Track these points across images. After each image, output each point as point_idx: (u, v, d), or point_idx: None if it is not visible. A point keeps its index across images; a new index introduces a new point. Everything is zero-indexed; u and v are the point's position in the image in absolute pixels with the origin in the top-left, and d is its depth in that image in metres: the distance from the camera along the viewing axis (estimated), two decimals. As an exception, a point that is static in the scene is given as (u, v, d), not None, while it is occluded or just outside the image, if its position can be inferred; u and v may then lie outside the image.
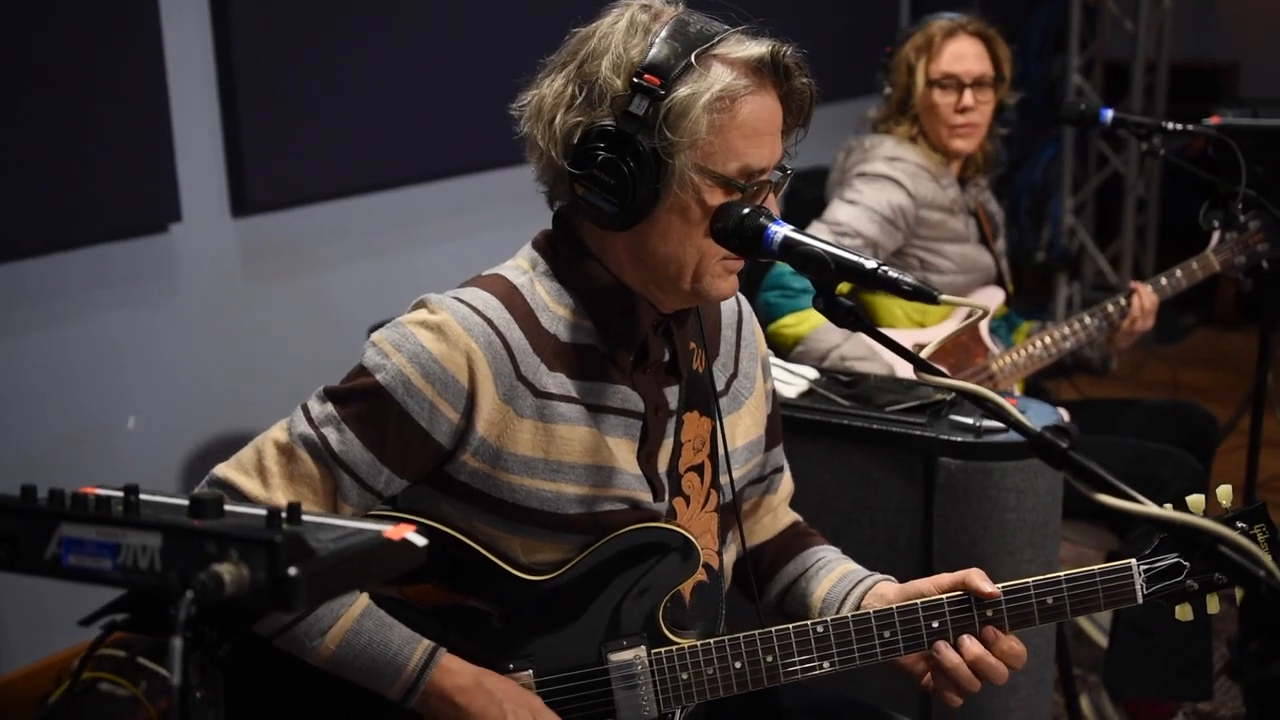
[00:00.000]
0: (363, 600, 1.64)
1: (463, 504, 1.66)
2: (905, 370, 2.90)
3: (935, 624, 1.68)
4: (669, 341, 1.72)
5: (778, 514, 1.96)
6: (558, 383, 1.65)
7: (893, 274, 1.46)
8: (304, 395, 1.67)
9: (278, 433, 1.65)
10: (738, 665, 1.68)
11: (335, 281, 3.64)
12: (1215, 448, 3.25)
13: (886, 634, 1.69)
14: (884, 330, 2.98)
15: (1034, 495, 2.29)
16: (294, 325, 3.55)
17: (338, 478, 1.61)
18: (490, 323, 1.62)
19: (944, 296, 1.43)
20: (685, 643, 1.69)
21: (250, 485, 1.61)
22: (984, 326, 3.07)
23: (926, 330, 3.03)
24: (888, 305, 3.01)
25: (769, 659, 1.68)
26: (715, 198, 1.59)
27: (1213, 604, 1.71)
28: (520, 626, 1.67)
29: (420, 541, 1.17)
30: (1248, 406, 3.81)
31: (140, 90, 3.08)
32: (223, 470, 1.65)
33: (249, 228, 3.43)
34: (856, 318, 1.48)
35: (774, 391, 1.92)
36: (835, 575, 1.84)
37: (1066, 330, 3.02)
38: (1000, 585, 1.68)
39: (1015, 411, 1.37)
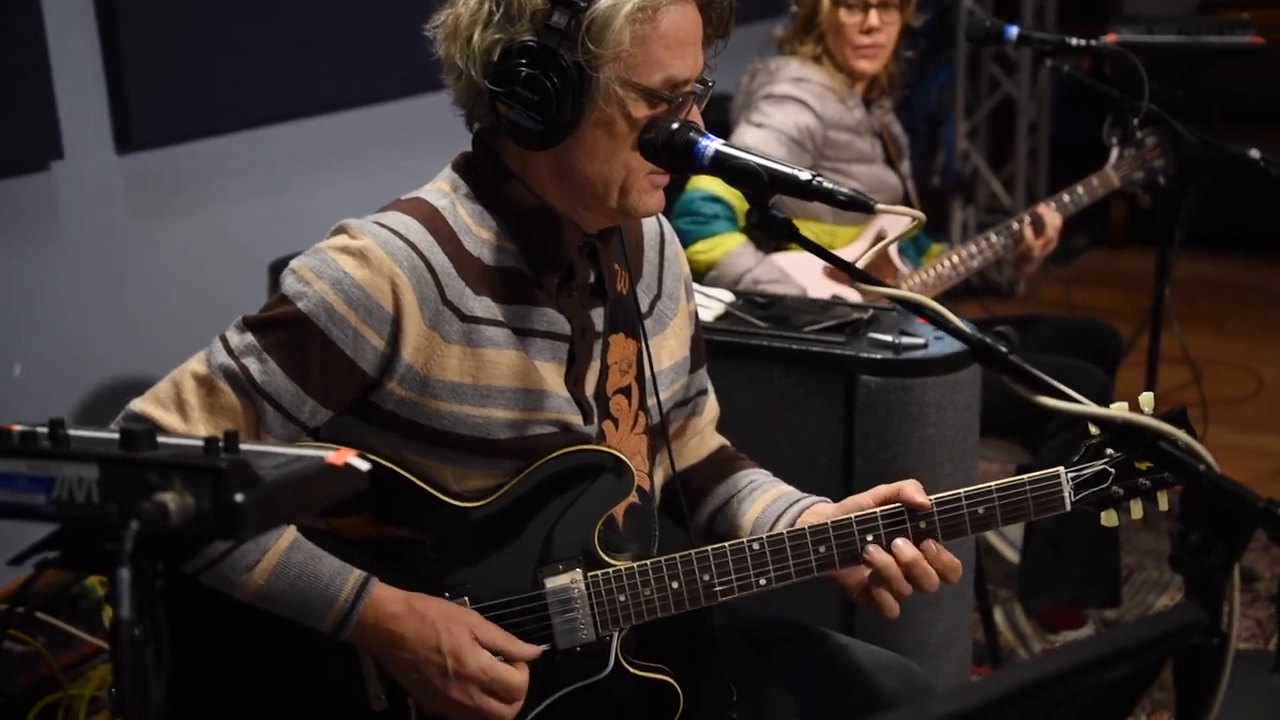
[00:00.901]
0: (290, 533, 1.62)
1: (390, 434, 1.64)
2: (819, 291, 2.92)
3: (869, 536, 1.71)
4: (594, 263, 1.71)
5: (704, 437, 1.97)
6: (484, 306, 1.63)
7: (827, 184, 1.47)
8: (199, 337, 1.64)
9: (196, 365, 1.61)
10: (675, 585, 1.69)
11: (230, 219, 3.56)
12: (1119, 362, 3.33)
13: (821, 549, 1.71)
14: (795, 253, 3.01)
15: (953, 410, 2.33)
16: (187, 265, 3.47)
17: (260, 409, 1.59)
18: (413, 246, 1.60)
19: (879, 206, 1.44)
20: (621, 565, 1.70)
21: (169, 419, 1.58)
22: (893, 248, 3.10)
23: (835, 251, 3.05)
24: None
25: (705, 578, 1.70)
26: (640, 111, 1.58)
27: (1136, 509, 1.76)
28: (454, 555, 1.66)
29: (364, 466, 1.16)
30: (1146, 324, 3.92)
31: (12, 18, 2.95)
32: (139, 405, 1.61)
33: (135, 164, 3.33)
34: (791, 230, 1.48)
35: (696, 313, 1.92)
36: (769, 497, 1.86)
37: (974, 249, 3.06)
38: (933, 497, 1.70)
39: (955, 318, 1.39)
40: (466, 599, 1.66)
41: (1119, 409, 1.69)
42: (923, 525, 1.71)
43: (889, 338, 2.36)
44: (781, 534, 1.70)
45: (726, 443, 1.99)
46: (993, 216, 5.95)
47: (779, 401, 2.39)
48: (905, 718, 0.88)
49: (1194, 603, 1.08)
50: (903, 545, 1.68)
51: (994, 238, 3.05)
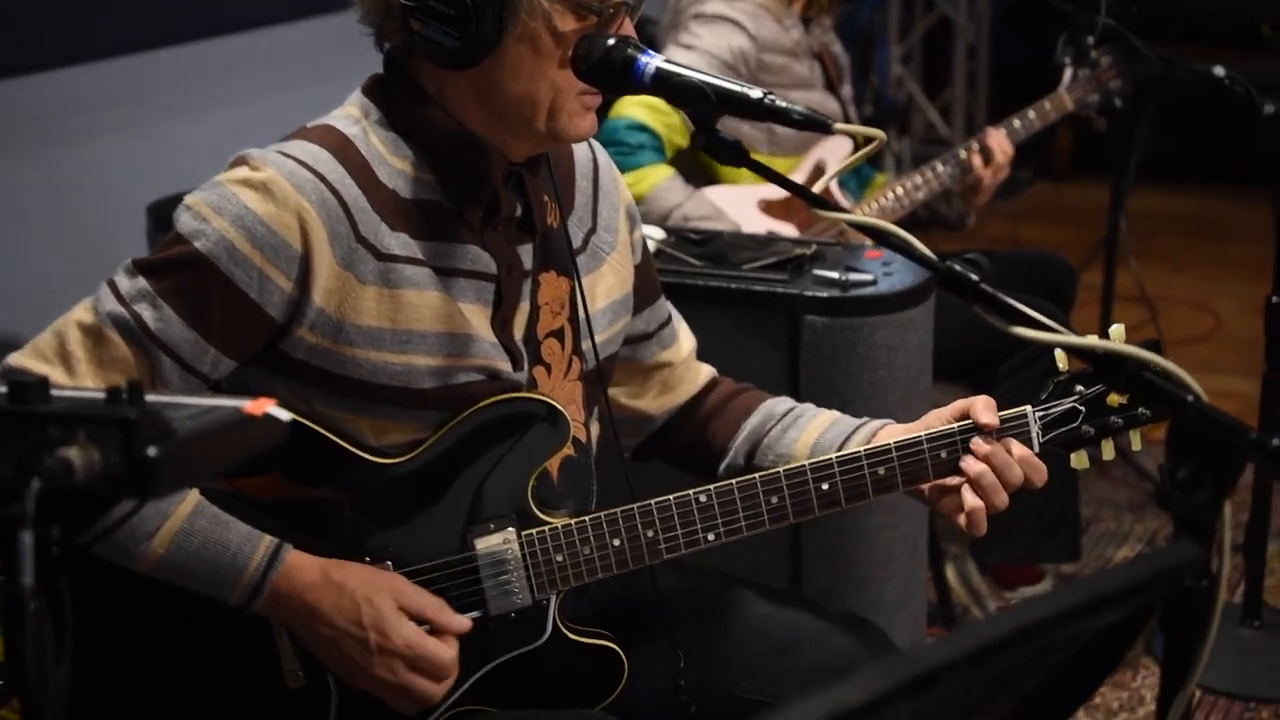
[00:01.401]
0: (193, 497, 1.59)
1: (301, 385, 1.62)
2: (755, 227, 2.92)
3: (825, 485, 1.72)
4: (521, 194, 1.69)
5: (691, 368, 1.97)
6: (401, 243, 1.61)
7: (780, 103, 1.46)
8: (66, 290, 1.61)
9: (81, 313, 1.58)
10: (616, 543, 1.69)
11: (98, 155, 3.48)
12: (1074, 299, 3.38)
13: (774, 499, 1.71)
14: (728, 187, 3.01)
15: (905, 351, 2.35)
16: (49, 207, 3.38)
17: (155, 360, 1.56)
18: (322, 178, 1.57)
19: (838, 125, 1.43)
20: (558, 522, 1.69)
21: (53, 374, 1.54)
22: (832, 180, 3.11)
23: (770, 185, 3.05)
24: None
25: (649, 534, 1.70)
26: (567, 24, 1.56)
27: (1108, 450, 1.79)
28: (374, 517, 1.65)
29: (284, 416, 1.15)
30: (1097, 258, 3.98)
31: None
32: (17, 359, 1.58)
33: (-7, 95, 3.24)
34: (742, 153, 1.47)
35: (645, 241, 1.91)
36: (824, 421, 1.87)
37: (919, 180, 3.08)
38: (898, 440, 1.72)
39: (920, 244, 1.39)
40: (389, 564, 1.65)
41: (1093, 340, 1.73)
42: (881, 471, 1.72)
43: (835, 274, 2.37)
44: (730, 484, 1.71)
45: (716, 374, 1.99)
46: (929, 148, 5.99)
47: (718, 345, 2.37)
48: (878, 673, 0.88)
49: (1187, 541, 1.10)
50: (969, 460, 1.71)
51: (940, 168, 3.07)
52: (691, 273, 2.43)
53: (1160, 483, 1.19)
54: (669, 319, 1.96)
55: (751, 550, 1.75)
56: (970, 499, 1.72)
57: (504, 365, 1.68)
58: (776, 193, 3.05)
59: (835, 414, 1.90)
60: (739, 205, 2.98)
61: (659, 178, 2.86)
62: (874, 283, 2.35)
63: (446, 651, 1.61)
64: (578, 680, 1.75)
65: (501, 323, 1.69)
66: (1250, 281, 5.34)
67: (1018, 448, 1.73)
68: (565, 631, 1.72)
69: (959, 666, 0.91)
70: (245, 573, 1.56)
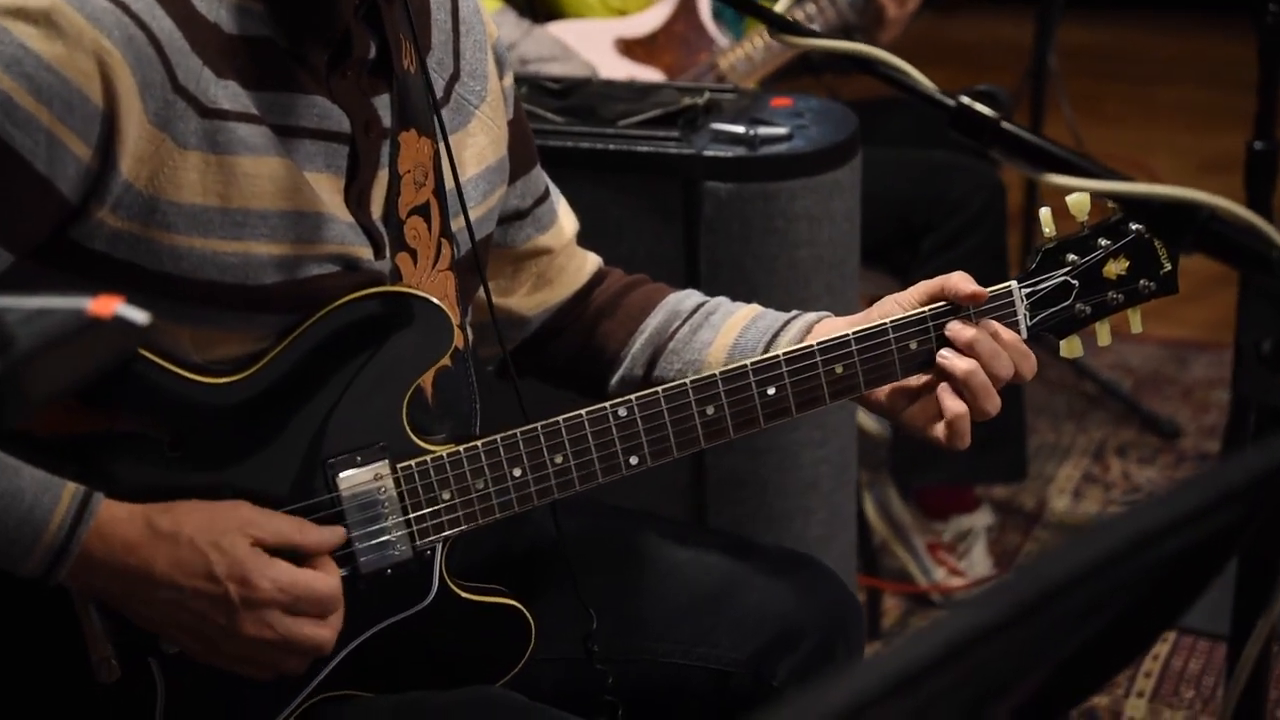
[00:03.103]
0: (-37, 438, 1.56)
1: (101, 285, 1.58)
2: (614, 71, 2.94)
3: (771, 390, 1.75)
4: (376, 29, 1.68)
5: (572, 256, 1.98)
6: (230, 95, 1.58)
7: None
8: None
9: None
10: (517, 473, 1.71)
11: None
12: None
13: (710, 410, 1.74)
14: (576, 21, 3.02)
15: (830, 223, 2.40)
16: None
17: (-100, 256, 1.52)
18: (125, 7, 1.54)
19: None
20: (440, 450, 1.70)
21: None
22: (705, 12, 3.14)
23: (630, 20, 3.07)
24: (575, -11, 3.05)
25: (558, 460, 1.71)
26: None
27: (1103, 334, 1.86)
28: (203, 453, 1.63)
29: (140, 318, 1.13)
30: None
31: None
32: None
33: None
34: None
35: (513, 92, 1.91)
36: (743, 317, 1.90)
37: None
38: (857, 330, 1.76)
39: (919, 75, 1.42)
40: (228, 513, 1.63)
41: (1076, 202, 1.79)
42: (839, 370, 1.77)
43: (739, 128, 2.40)
44: (655, 392, 1.73)
45: (603, 263, 2.01)
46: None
47: (596, 222, 2.38)
48: (916, 644, 0.91)
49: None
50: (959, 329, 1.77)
51: None
52: (553, 131, 2.44)
53: (1236, 363, 1.25)
54: (546, 193, 1.97)
55: (641, 481, 1.77)
56: (951, 403, 1.77)
57: (363, 251, 1.67)
58: (634, 29, 3.07)
59: (755, 308, 1.93)
60: (591, 44, 3.00)
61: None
62: (788, 137, 2.39)
63: (326, 580, 1.61)
64: (473, 650, 1.76)
65: (357, 197, 1.68)
66: (1185, 131, 5.58)
67: (1005, 332, 1.79)
68: (455, 590, 1.73)
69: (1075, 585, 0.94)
70: (45, 533, 1.53)
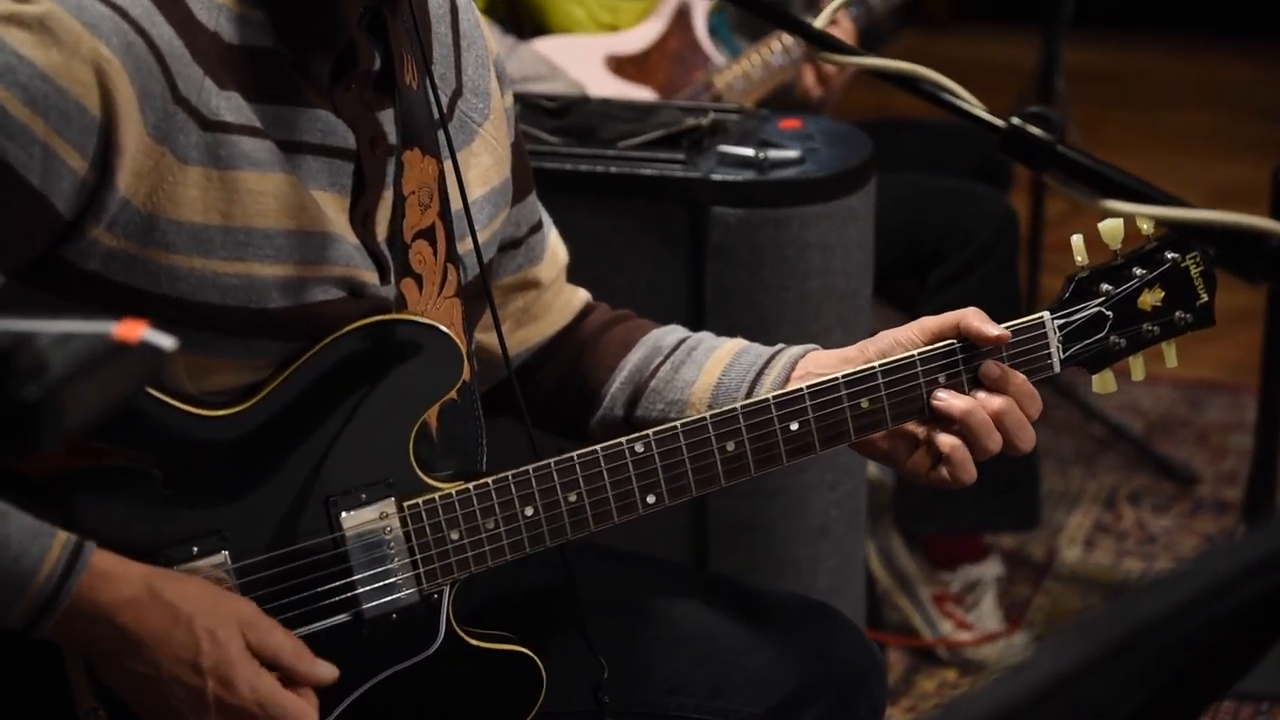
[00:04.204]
0: (-65, 474, 1.57)
1: (93, 308, 1.60)
2: (605, 90, 2.97)
3: (795, 425, 1.78)
4: (381, 41, 1.71)
5: (561, 292, 2.00)
6: (233, 107, 1.61)
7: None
8: None
9: None
10: (529, 512, 1.73)
11: None
12: (1012, 178, 3.52)
13: (730, 445, 1.77)
14: (564, 37, 3.05)
15: (844, 252, 2.43)
16: None
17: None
18: (124, 14, 1.56)
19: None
20: (449, 488, 1.72)
21: None
22: (701, 27, 3.18)
23: (621, 36, 3.11)
24: (564, 7, 3.07)
25: (571, 498, 1.74)
26: None
27: (1137, 369, 1.90)
28: (200, 491, 1.65)
29: (167, 343, 1.16)
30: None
31: None
32: None
33: None
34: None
35: (513, 112, 1.94)
36: (726, 353, 1.91)
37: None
38: (884, 362, 1.79)
39: (967, 94, 1.46)
40: (225, 554, 1.65)
41: (1110, 230, 1.83)
42: (865, 404, 1.79)
43: (748, 151, 2.43)
44: (675, 428, 1.76)
45: (591, 298, 2.03)
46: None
47: (596, 250, 2.43)
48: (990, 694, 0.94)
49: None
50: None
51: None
52: (550, 153, 2.46)
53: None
54: (540, 222, 2.00)
55: (636, 524, 1.79)
56: (950, 444, 1.80)
57: (369, 276, 1.70)
58: (625, 45, 3.10)
59: (739, 343, 1.95)
60: (579, 61, 3.03)
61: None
62: (800, 161, 2.42)
63: (305, 712, 1.63)
64: (481, 701, 1.78)
65: (362, 218, 1.70)
66: (1191, 158, 5.64)
67: (1015, 375, 1.82)
68: (462, 636, 1.75)
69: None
70: (33, 583, 1.54)
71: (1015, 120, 1.43)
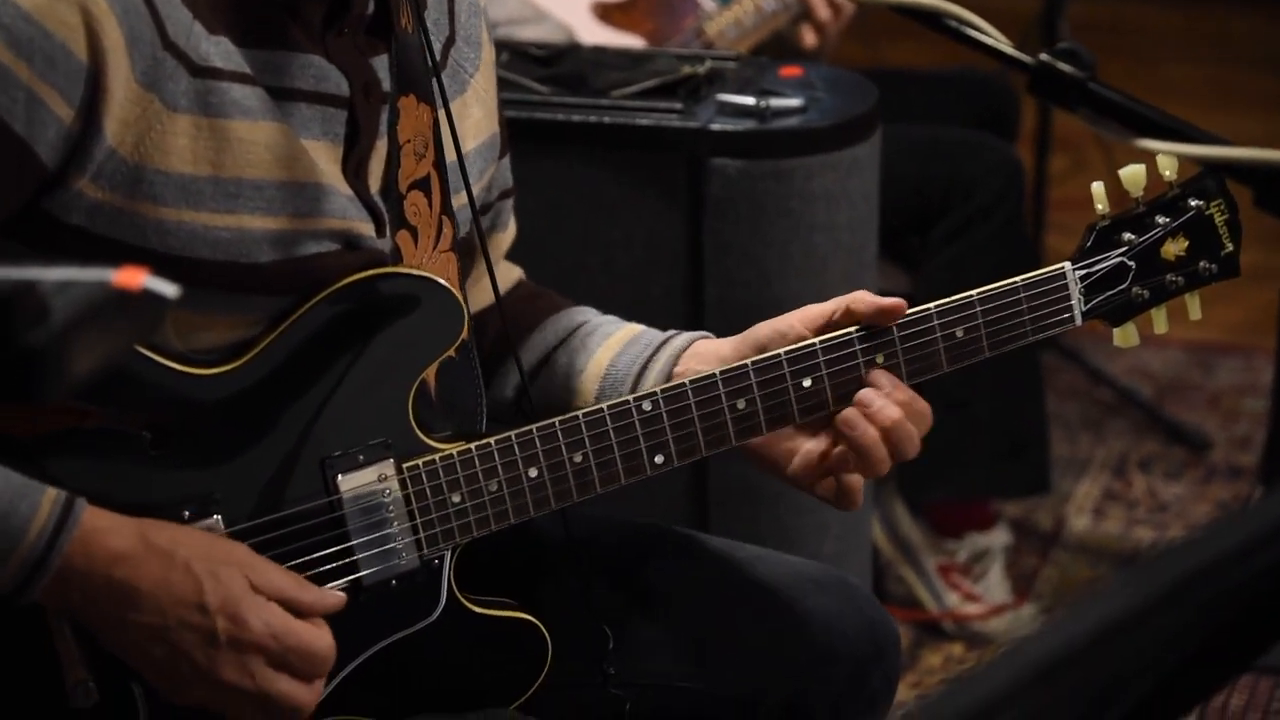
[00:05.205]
0: (-73, 435, 1.58)
1: (78, 263, 1.61)
2: (594, 36, 2.98)
3: (807, 381, 1.80)
4: (375, -18, 1.72)
5: (501, 267, 2.02)
6: (222, 52, 1.62)
7: None
8: None
9: None
10: (533, 473, 1.74)
11: None
12: (1017, 130, 3.54)
13: (741, 404, 1.79)
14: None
15: (849, 204, 2.45)
16: None
17: None
18: (110, -46, 1.56)
19: None
20: (449, 448, 1.73)
21: None
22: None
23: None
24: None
25: (577, 459, 1.75)
26: None
27: (1160, 320, 1.91)
28: (190, 452, 1.66)
29: (169, 291, 1.17)
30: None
31: None
32: None
33: None
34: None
35: (494, 65, 1.96)
36: (618, 340, 1.93)
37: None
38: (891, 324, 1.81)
39: (994, 31, 1.48)
40: (218, 518, 1.67)
41: (1131, 176, 1.84)
42: (880, 359, 1.81)
43: (748, 99, 2.45)
44: (683, 385, 1.77)
45: (522, 274, 2.05)
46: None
47: (587, 205, 2.44)
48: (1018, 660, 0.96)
49: None
50: (874, 391, 1.79)
51: None
52: (540, 103, 2.47)
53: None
54: (511, 189, 2.02)
55: (630, 491, 1.81)
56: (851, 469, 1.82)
57: (364, 228, 1.71)
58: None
59: (635, 328, 1.96)
60: (565, 9, 3.03)
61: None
62: (803, 109, 2.44)
63: (322, 637, 1.63)
64: (484, 669, 1.80)
65: (355, 167, 1.71)
66: (1196, 113, 5.60)
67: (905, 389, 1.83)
68: (464, 603, 1.76)
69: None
70: (23, 539, 1.55)
71: (1044, 56, 1.45)
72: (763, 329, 1.84)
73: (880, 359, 1.81)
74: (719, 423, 1.79)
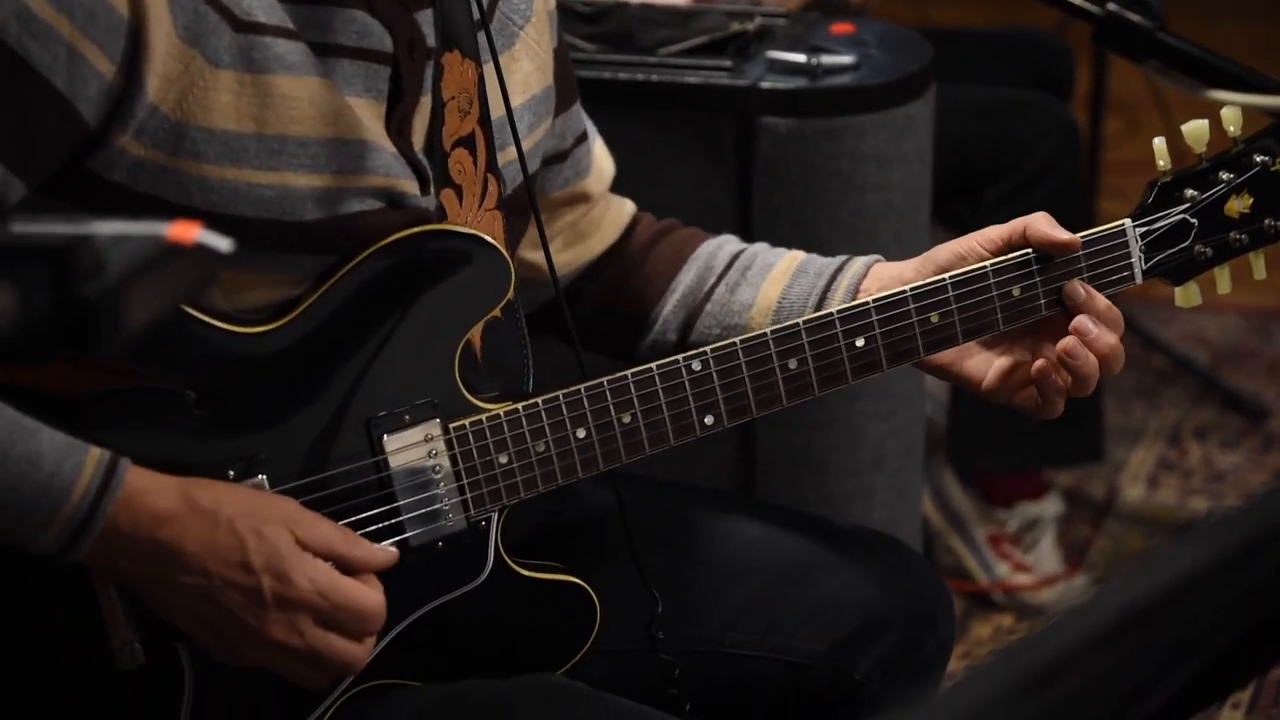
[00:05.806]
0: (-33, 393, 1.59)
1: (119, 221, 1.62)
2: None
3: (860, 341, 1.80)
4: (418, -67, 1.72)
5: (609, 206, 2.03)
6: (265, 7, 1.63)
7: None
8: None
9: None
10: (581, 434, 1.75)
11: None
12: (1073, 90, 3.53)
13: (792, 363, 1.79)
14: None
15: (902, 165, 2.45)
16: None
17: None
18: (151, -95, 1.57)
19: None
20: (496, 408, 1.74)
21: None
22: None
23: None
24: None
25: (626, 419, 1.76)
26: None
27: (1223, 280, 1.92)
28: (235, 412, 1.68)
29: (224, 245, 1.18)
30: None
31: None
32: None
33: None
34: None
35: (555, 15, 1.96)
36: (783, 270, 1.95)
37: None
38: (955, 274, 1.81)
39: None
40: (263, 478, 1.68)
41: (1194, 130, 1.84)
42: (934, 319, 1.82)
43: (799, 56, 2.45)
44: (733, 344, 1.78)
45: (636, 209, 2.06)
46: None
47: (634, 164, 2.42)
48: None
49: None
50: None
51: None
52: (587, 61, 2.48)
53: None
54: (585, 133, 2.02)
55: (674, 456, 1.83)
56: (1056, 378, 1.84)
57: (409, 185, 1.72)
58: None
59: (796, 257, 1.98)
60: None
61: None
62: (855, 67, 2.44)
63: (371, 595, 1.64)
64: (532, 634, 1.81)
65: (399, 125, 1.72)
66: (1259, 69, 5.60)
67: (1100, 298, 1.85)
68: (512, 565, 1.78)
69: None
70: (66, 502, 1.56)
71: (1112, 6, 1.45)
72: (943, 251, 1.87)
73: (935, 318, 1.82)
74: (770, 383, 1.80)
